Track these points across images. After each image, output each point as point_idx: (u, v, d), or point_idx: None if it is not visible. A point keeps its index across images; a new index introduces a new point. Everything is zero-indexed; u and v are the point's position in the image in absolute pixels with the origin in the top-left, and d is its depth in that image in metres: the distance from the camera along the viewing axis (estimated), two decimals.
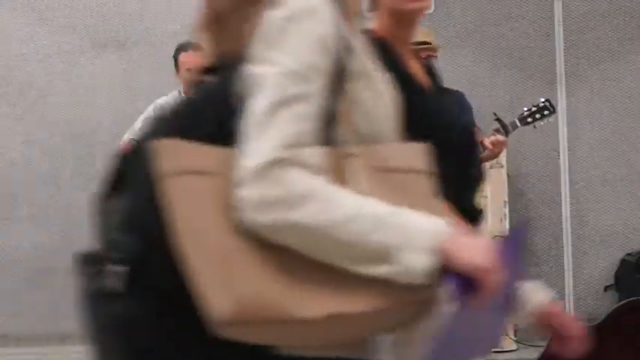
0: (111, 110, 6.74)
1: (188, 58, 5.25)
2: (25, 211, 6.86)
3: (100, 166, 6.71)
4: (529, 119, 4.46)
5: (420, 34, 4.64)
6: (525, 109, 4.48)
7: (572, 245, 6.60)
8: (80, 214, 6.76)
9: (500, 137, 4.41)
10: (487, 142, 4.44)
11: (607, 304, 6.42)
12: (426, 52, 4.54)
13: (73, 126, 6.84)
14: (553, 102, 4.52)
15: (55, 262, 6.81)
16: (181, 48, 5.31)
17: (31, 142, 6.87)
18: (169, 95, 5.40)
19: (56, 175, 6.84)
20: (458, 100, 4.64)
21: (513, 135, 4.66)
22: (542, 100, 4.50)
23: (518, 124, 4.45)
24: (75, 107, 6.84)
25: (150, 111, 5.32)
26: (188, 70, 5.24)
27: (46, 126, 6.86)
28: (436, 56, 4.64)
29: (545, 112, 4.47)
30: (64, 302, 6.80)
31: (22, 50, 6.88)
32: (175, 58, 5.32)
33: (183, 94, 5.34)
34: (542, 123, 4.48)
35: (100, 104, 6.82)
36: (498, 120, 4.44)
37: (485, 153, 4.50)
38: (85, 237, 6.83)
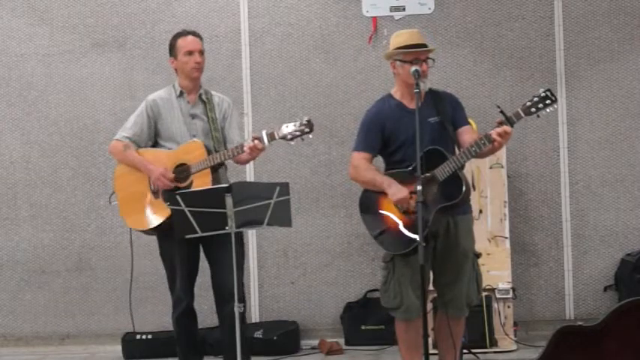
0: (111, 110, 6.74)
1: (187, 42, 5.22)
2: (25, 211, 6.85)
3: (100, 166, 6.71)
4: (532, 109, 4.51)
5: (417, 36, 4.74)
6: (527, 100, 4.53)
7: (572, 245, 6.60)
8: (80, 214, 6.77)
9: (507, 128, 4.48)
10: (494, 134, 4.49)
11: (607, 304, 6.42)
12: (425, 54, 4.73)
13: (72, 126, 6.83)
14: None
15: (55, 262, 6.81)
16: (178, 35, 5.27)
17: (31, 142, 6.86)
18: (163, 90, 5.34)
19: (56, 175, 6.83)
20: (451, 101, 4.88)
21: (514, 135, 4.67)
22: (543, 90, 4.54)
23: (522, 114, 4.50)
24: (75, 107, 6.83)
25: (142, 108, 5.27)
26: (189, 52, 5.22)
27: (45, 126, 6.85)
28: (433, 58, 4.75)
29: (547, 102, 4.51)
30: (63, 302, 6.82)
31: (22, 50, 6.88)
32: (172, 45, 5.26)
33: (178, 86, 5.30)
34: (545, 112, 4.52)
35: (99, 104, 6.81)
36: (502, 112, 4.48)
37: (489, 146, 4.53)
38: (84, 237, 6.87)
